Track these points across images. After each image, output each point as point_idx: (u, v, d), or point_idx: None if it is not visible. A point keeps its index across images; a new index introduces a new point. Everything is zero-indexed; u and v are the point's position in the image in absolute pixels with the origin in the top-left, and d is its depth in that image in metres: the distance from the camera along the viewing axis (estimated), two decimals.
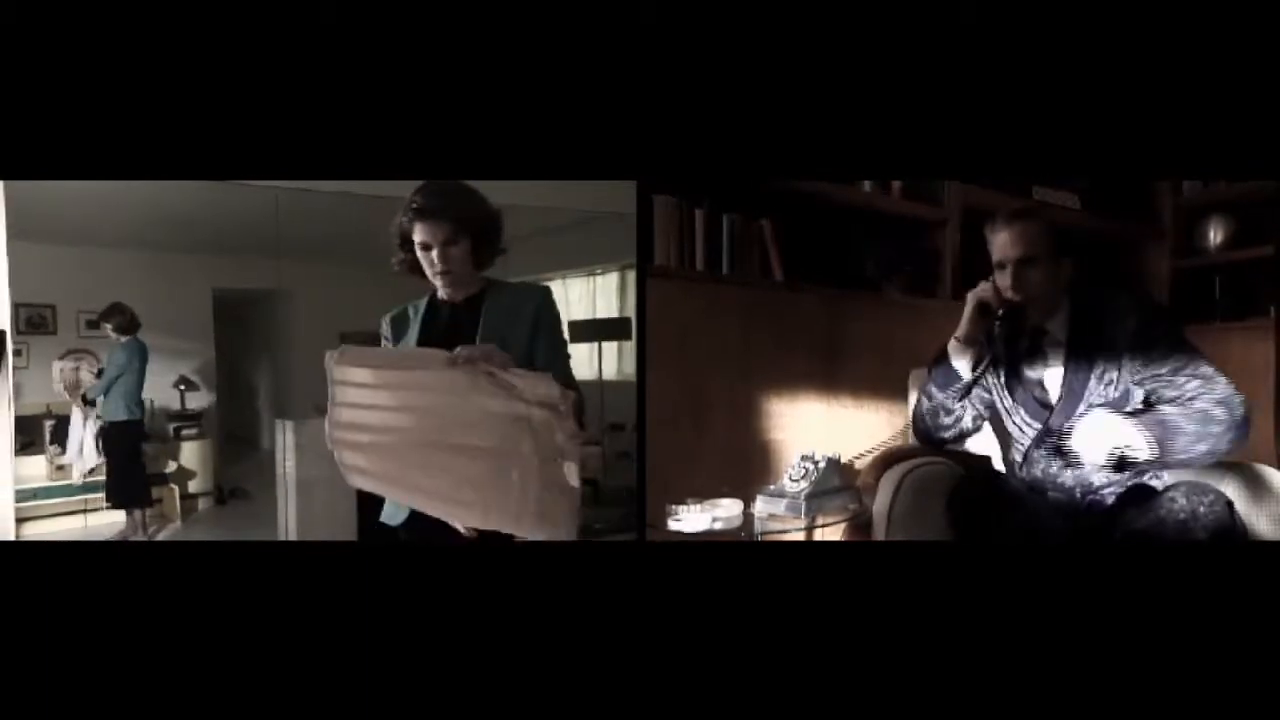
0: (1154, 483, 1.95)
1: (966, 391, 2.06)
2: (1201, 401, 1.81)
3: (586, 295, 6.18)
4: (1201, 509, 1.70)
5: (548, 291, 1.76)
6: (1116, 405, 1.91)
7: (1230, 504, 1.74)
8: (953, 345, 2.05)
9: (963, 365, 2.04)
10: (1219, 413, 1.78)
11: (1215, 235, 3.10)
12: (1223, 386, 1.82)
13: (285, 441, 3.96)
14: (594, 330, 5.23)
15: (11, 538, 3.05)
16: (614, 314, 5.61)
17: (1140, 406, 1.90)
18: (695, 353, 2.33)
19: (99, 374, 4.68)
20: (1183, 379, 1.84)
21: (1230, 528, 1.70)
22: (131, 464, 4.59)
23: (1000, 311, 1.99)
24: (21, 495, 3.92)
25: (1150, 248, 3.27)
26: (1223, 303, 3.12)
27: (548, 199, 4.22)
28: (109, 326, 4.52)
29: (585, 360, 5.34)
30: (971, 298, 2.03)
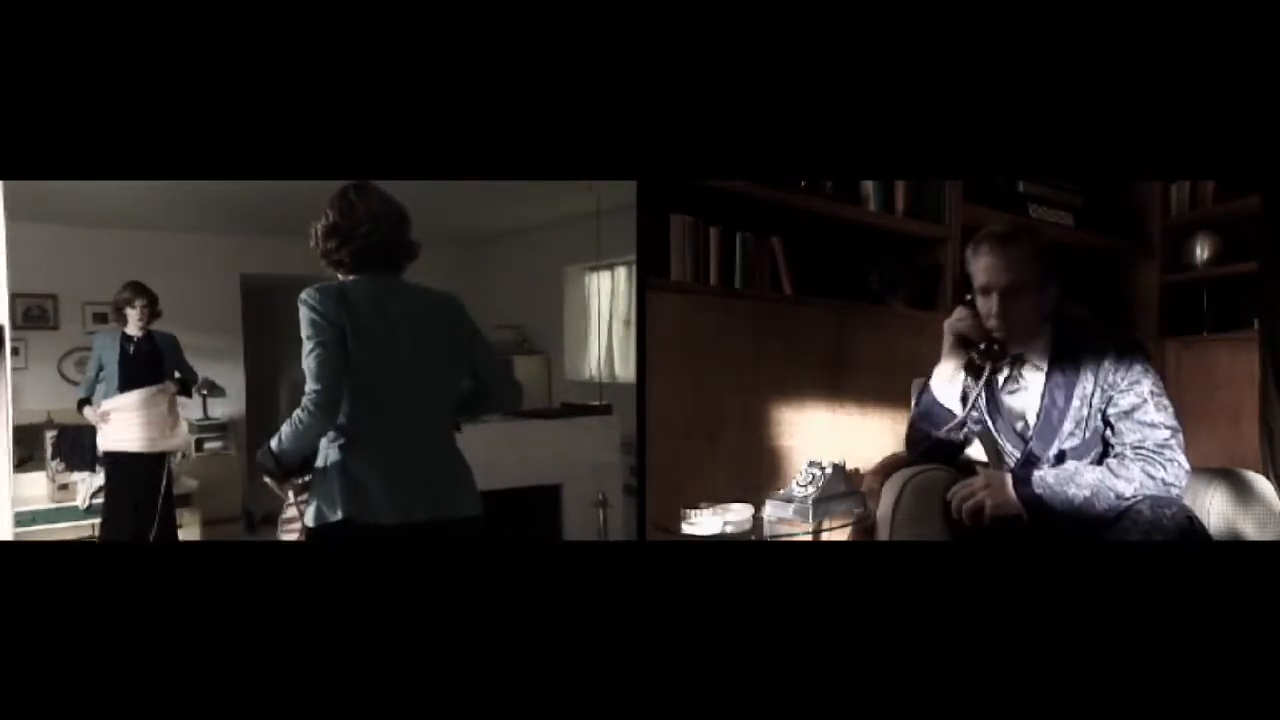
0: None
1: (960, 425, 2.03)
2: (1152, 468, 1.79)
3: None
4: (1165, 520, 1.72)
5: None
6: (1086, 446, 1.91)
7: (1191, 515, 1.77)
8: (935, 382, 2.03)
9: (949, 399, 2.01)
10: (1153, 486, 1.79)
11: (1202, 252, 3.23)
12: (1174, 468, 1.79)
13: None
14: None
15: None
16: None
17: (1096, 458, 1.89)
18: (709, 363, 2.42)
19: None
20: (1147, 442, 1.81)
21: (1191, 538, 1.73)
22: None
23: (981, 345, 1.92)
24: (21, 519, 3.43)
25: (1140, 264, 3.40)
26: (1210, 316, 3.25)
27: (572, 190, 4.09)
28: (142, 303, 3.59)
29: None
30: (949, 330, 1.96)
